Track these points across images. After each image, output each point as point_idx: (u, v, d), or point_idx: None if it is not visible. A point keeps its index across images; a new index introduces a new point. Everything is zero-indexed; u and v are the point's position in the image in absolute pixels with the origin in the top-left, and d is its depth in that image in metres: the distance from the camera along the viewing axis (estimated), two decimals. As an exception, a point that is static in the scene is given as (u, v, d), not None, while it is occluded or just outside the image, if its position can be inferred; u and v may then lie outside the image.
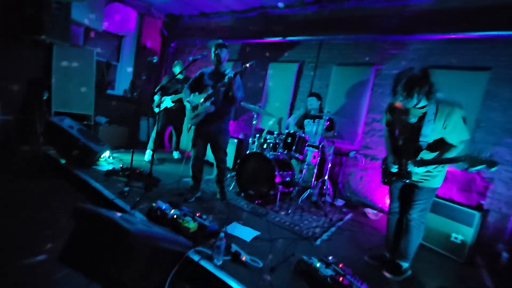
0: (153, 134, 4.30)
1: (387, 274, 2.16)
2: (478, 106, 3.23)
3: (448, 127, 1.88)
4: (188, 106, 3.00)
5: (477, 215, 2.55)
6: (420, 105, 1.85)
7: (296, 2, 4.58)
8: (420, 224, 2.13)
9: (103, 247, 1.42)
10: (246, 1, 4.89)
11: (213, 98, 2.81)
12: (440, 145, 1.95)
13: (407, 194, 2.17)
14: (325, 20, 4.47)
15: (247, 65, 2.66)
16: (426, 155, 1.97)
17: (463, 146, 1.92)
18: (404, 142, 2.09)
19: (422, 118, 1.92)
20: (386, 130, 2.29)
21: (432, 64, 3.56)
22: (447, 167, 2.11)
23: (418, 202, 2.10)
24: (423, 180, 2.06)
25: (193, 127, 3.00)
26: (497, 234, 3.00)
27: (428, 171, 2.02)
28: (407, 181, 2.05)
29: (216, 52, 2.83)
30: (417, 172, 2.00)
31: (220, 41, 2.87)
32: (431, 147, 1.96)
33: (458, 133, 1.89)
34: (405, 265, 2.20)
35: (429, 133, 1.91)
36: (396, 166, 2.09)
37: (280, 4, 4.70)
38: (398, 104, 1.97)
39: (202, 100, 2.86)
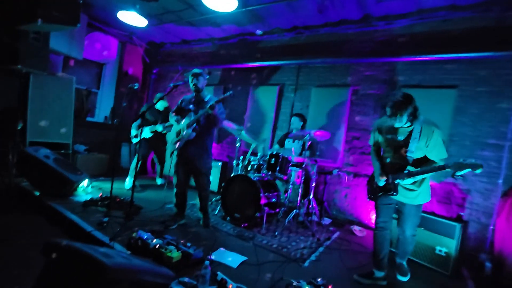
0: (133, 163, 4.21)
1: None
2: (450, 122, 3.43)
3: (430, 146, 2.08)
4: (173, 130, 3.00)
5: (457, 226, 2.61)
6: (407, 124, 2.07)
7: (273, 29, 4.81)
8: (413, 237, 2.36)
9: (78, 285, 1.33)
10: (226, 29, 5.08)
11: (194, 125, 2.83)
12: (423, 162, 2.13)
13: (397, 213, 2.35)
14: (302, 45, 4.71)
15: (226, 95, 2.74)
16: (411, 169, 2.11)
17: (442, 163, 2.06)
18: (391, 158, 2.24)
19: (408, 136, 2.12)
20: (372, 149, 2.43)
21: (404, 84, 3.80)
22: (429, 184, 2.25)
23: (408, 219, 2.27)
24: (407, 198, 2.20)
25: (175, 154, 2.97)
26: (479, 245, 3.08)
27: (411, 189, 2.18)
28: (394, 194, 2.16)
29: (193, 83, 2.90)
30: (404, 184, 2.15)
31: (196, 70, 2.93)
32: (415, 164, 2.13)
33: (438, 151, 2.09)
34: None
35: (414, 150, 2.10)
36: (384, 180, 2.20)
37: (258, 32, 4.92)
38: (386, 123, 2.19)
39: (184, 126, 2.88)
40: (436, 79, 3.60)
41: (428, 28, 3.69)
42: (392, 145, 2.22)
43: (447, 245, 2.63)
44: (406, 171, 2.10)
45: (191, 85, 2.92)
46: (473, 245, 3.10)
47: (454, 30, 3.51)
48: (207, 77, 3.06)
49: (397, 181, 2.15)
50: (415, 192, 2.18)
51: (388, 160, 2.27)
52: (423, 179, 2.18)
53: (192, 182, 3.06)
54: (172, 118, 3.02)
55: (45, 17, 2.82)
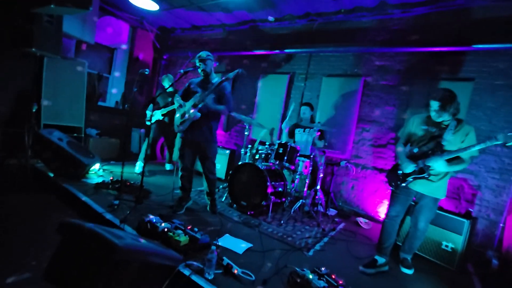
0: (144, 146, 4.28)
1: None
2: (463, 116, 3.33)
3: (464, 143, 2.13)
4: (178, 113, 3.01)
5: (466, 222, 2.59)
6: (448, 118, 2.17)
7: (285, 16, 4.70)
8: (423, 233, 2.43)
9: (90, 263, 1.39)
10: (237, 15, 4.99)
11: (200, 106, 2.81)
12: (453, 159, 2.16)
13: (414, 207, 2.42)
14: (314, 33, 4.60)
15: (237, 72, 2.73)
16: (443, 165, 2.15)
17: (470, 161, 2.17)
18: (422, 148, 2.27)
19: (444, 128, 2.20)
20: (400, 141, 2.48)
21: (418, 75, 3.69)
22: (447, 181, 2.31)
23: (425, 211, 2.33)
24: (428, 189, 2.27)
25: (178, 136, 2.98)
26: (487, 241, 3.05)
27: (432, 181, 2.24)
28: (426, 176, 2.21)
29: (201, 68, 2.88)
30: (434, 171, 2.19)
31: (202, 53, 2.89)
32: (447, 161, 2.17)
33: (471, 151, 2.08)
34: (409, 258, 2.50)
35: (448, 139, 2.15)
36: (413, 165, 2.24)
37: (270, 18, 4.82)
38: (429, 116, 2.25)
39: (190, 107, 2.87)
40: (452, 71, 3.48)
41: (446, 17, 3.53)
42: (426, 136, 2.27)
43: (454, 241, 2.61)
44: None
45: (199, 70, 2.91)
46: (481, 241, 3.07)
47: (473, 20, 3.36)
48: (215, 62, 3.03)
49: (431, 163, 2.16)
50: (435, 184, 2.24)
51: (415, 150, 2.30)
52: (445, 174, 2.25)
53: (198, 167, 3.08)
54: (177, 101, 3.00)
55: (58, 0, 2.83)
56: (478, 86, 3.31)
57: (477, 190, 3.23)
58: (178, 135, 3.05)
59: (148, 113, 4.33)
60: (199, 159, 3.06)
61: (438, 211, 2.77)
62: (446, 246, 2.65)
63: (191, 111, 2.82)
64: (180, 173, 3.05)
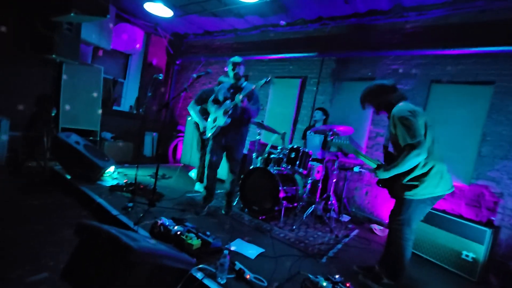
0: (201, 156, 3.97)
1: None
2: (483, 120, 3.22)
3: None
4: (210, 117, 3.09)
5: (488, 231, 2.48)
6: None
7: (297, 20, 4.71)
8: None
9: (106, 264, 1.40)
10: (249, 20, 5.04)
11: (230, 112, 2.87)
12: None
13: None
14: (327, 37, 4.58)
15: (267, 79, 2.74)
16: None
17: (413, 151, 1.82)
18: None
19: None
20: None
21: (434, 79, 3.60)
22: (414, 178, 1.98)
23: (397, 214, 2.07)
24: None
25: (211, 138, 3.03)
26: (510, 252, 2.90)
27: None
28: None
29: (235, 71, 2.92)
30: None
31: (238, 58, 2.94)
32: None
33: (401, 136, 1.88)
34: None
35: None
36: None
37: (282, 23, 4.83)
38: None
39: (222, 112, 2.93)
40: (471, 75, 3.38)
41: (464, 19, 3.44)
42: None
43: (475, 251, 2.50)
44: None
45: (231, 73, 2.94)
46: (504, 252, 2.93)
47: (492, 21, 3.25)
48: (226, 66, 3.08)
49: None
50: None
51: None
52: None
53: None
54: (212, 107, 3.06)
55: (78, 9, 2.94)
56: (498, 90, 3.19)
57: (499, 198, 3.09)
58: (193, 137, 3.09)
59: (202, 123, 3.51)
60: (226, 158, 3.11)
61: (457, 219, 2.67)
62: (467, 256, 2.54)
63: (223, 117, 2.89)
64: (206, 172, 3.08)
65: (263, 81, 2.73)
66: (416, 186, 1.93)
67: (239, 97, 2.75)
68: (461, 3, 3.36)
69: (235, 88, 2.98)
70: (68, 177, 3.54)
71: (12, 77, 4.23)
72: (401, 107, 1.99)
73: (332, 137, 2.41)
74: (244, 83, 3.02)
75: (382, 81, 2.19)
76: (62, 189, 3.45)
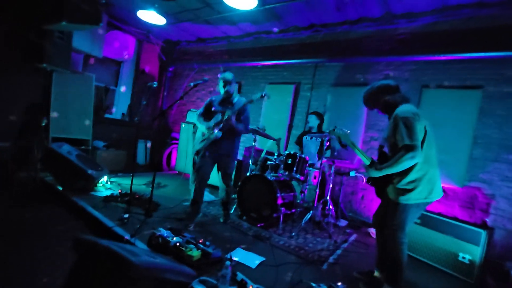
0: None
1: None
2: (474, 123, 3.30)
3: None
4: (199, 129, 3.07)
5: (483, 233, 2.52)
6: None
7: (290, 27, 4.76)
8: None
9: (106, 281, 1.36)
10: (242, 27, 5.07)
11: (222, 125, 2.85)
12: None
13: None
14: (319, 44, 4.64)
15: (263, 94, 2.76)
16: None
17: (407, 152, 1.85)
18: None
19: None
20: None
21: (425, 84, 3.69)
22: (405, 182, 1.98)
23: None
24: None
25: (201, 151, 2.99)
26: (505, 252, 2.96)
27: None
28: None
29: (225, 89, 2.93)
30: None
31: (228, 76, 2.93)
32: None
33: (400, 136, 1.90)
34: None
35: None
36: None
37: (275, 30, 4.88)
38: None
39: (212, 126, 2.91)
40: (460, 79, 3.48)
41: (452, 26, 3.55)
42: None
43: (471, 252, 2.54)
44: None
45: (222, 90, 2.95)
46: (499, 252, 2.98)
47: (479, 28, 3.37)
48: (219, 73, 3.08)
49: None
50: None
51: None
52: None
53: (210, 181, 3.07)
54: (202, 123, 3.01)
55: (70, 17, 2.90)
56: (486, 94, 3.29)
57: (491, 199, 3.16)
58: (187, 145, 3.05)
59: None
60: (217, 170, 3.08)
61: (452, 221, 2.71)
62: (463, 257, 2.57)
63: (214, 130, 2.87)
64: (195, 186, 3.00)
65: (258, 95, 2.75)
66: (410, 191, 1.95)
67: (227, 115, 2.79)
68: (449, 10, 3.47)
69: (227, 103, 2.98)
70: (60, 188, 3.45)
71: (1, 86, 4.11)
72: (406, 107, 2.02)
73: (334, 127, 2.46)
74: (236, 99, 3.01)
75: (387, 81, 2.22)
76: (54, 200, 3.36)
